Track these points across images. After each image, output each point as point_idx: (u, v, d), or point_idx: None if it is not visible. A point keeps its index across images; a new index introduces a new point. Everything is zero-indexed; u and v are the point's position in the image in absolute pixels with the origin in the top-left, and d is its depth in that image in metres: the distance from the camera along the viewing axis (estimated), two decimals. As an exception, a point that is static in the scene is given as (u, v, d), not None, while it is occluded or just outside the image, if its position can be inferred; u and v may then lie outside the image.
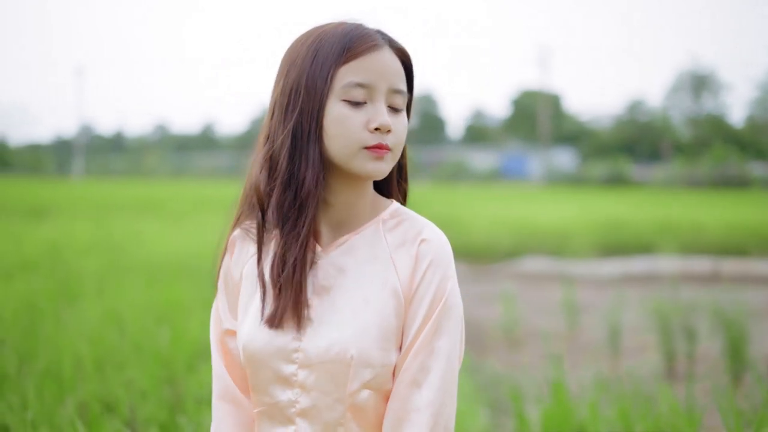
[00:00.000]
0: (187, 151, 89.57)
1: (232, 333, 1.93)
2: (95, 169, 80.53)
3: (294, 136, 1.76)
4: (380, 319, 1.77)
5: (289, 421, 1.81)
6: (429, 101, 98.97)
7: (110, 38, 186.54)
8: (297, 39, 1.83)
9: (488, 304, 10.62)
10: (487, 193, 41.45)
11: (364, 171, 1.77)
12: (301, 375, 1.78)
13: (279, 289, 1.79)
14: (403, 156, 1.93)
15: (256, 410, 1.86)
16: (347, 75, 1.74)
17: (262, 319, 1.81)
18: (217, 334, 1.94)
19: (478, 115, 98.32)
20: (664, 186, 50.14)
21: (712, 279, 13.32)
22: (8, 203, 22.77)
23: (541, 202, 30.67)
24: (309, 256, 1.80)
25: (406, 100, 1.82)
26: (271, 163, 1.79)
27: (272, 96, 1.82)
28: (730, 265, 14.45)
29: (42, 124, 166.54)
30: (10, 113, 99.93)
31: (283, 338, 1.79)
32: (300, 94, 1.75)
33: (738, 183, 48.47)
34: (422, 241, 1.82)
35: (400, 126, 1.80)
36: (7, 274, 8.36)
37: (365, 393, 1.77)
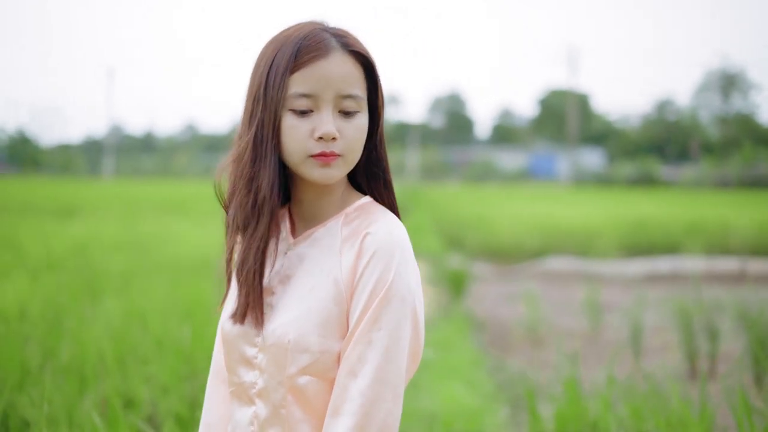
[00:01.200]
0: (216, 151, 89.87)
1: None
2: (126, 169, 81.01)
3: (255, 143, 1.82)
4: (320, 306, 1.82)
5: (251, 401, 1.88)
6: (457, 101, 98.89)
7: (140, 39, 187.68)
8: (267, 42, 1.87)
9: (512, 304, 10.63)
10: (515, 193, 41.36)
11: (312, 178, 1.82)
12: (260, 357, 1.85)
13: (241, 289, 1.88)
14: (380, 164, 1.94)
15: (229, 390, 1.95)
16: (293, 85, 1.78)
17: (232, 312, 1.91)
18: (221, 318, 2.01)
19: (506, 115, 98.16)
20: (693, 186, 49.87)
21: (739, 279, 13.27)
22: (39, 203, 22.97)
23: (569, 202, 30.56)
24: (269, 259, 1.90)
25: (361, 103, 1.81)
26: (235, 167, 1.86)
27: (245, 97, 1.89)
28: (757, 266, 14.38)
29: (73, 124, 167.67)
30: (41, 114, 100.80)
31: (249, 321, 1.88)
32: (259, 102, 1.81)
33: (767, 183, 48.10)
34: (366, 234, 1.82)
35: (352, 130, 1.80)
36: (35, 272, 8.45)
37: (305, 378, 1.81)
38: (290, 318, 1.83)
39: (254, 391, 1.87)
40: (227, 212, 1.92)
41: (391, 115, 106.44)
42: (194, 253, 11.02)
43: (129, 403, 4.60)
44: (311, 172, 1.81)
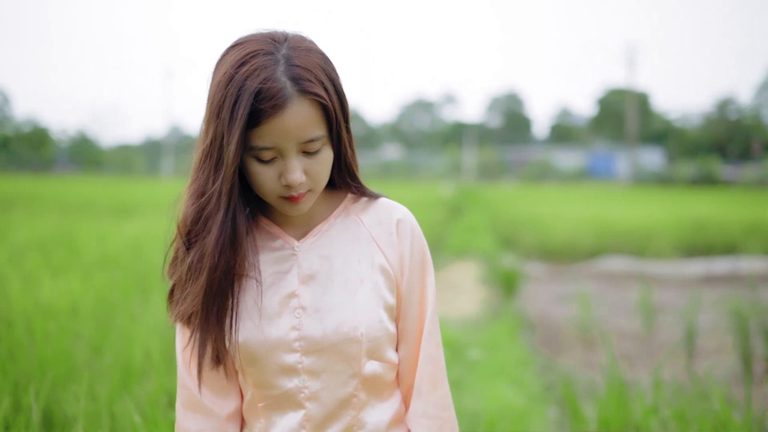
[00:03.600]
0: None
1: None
2: (184, 169, 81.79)
3: (207, 195, 1.82)
4: (376, 295, 1.91)
5: (299, 405, 1.90)
6: (515, 100, 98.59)
7: (197, 40, 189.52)
8: (221, 64, 1.83)
9: (565, 304, 10.54)
10: (572, 192, 41.10)
11: (284, 212, 1.88)
12: (307, 362, 1.87)
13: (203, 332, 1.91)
14: (351, 168, 1.97)
15: (259, 405, 1.94)
16: (253, 140, 1.77)
17: (257, 318, 1.90)
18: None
19: (564, 114, 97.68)
20: (755, 186, 49.11)
21: (799, 280, 13.02)
22: (98, 201, 23.29)
23: (627, 202, 30.29)
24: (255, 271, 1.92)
25: (323, 139, 1.82)
26: (187, 205, 1.88)
27: (202, 122, 1.86)
28: (818, 267, 14.12)
29: (132, 125, 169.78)
30: (102, 114, 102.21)
31: (279, 330, 1.88)
32: (223, 150, 1.78)
33: (832, 183, 47.25)
34: (398, 221, 1.96)
35: (317, 166, 1.83)
36: (88, 270, 8.55)
37: (373, 364, 1.91)
38: (353, 313, 1.88)
39: (303, 395, 1.89)
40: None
41: (448, 114, 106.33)
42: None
43: (174, 401, 4.63)
44: (282, 208, 1.86)
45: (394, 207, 1.99)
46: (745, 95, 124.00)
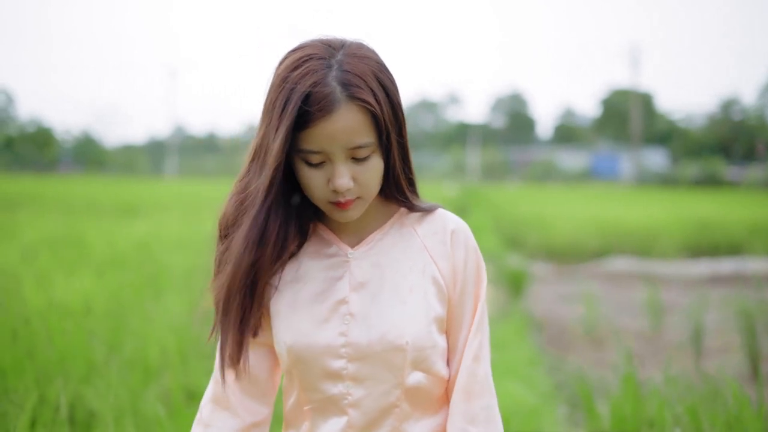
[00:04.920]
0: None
1: (259, 344, 2.00)
2: (188, 169, 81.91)
3: (248, 193, 1.86)
4: (426, 304, 1.89)
5: (342, 412, 1.90)
6: (518, 101, 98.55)
7: (198, 40, 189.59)
8: (278, 71, 1.85)
9: (571, 304, 10.58)
10: (576, 193, 41.11)
11: (333, 218, 1.90)
12: (352, 368, 1.87)
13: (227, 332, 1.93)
14: (406, 176, 1.95)
15: (305, 408, 1.94)
16: (302, 142, 1.79)
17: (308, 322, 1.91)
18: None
19: (568, 115, 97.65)
20: (759, 186, 49.09)
21: (804, 280, 13.05)
22: (104, 201, 23.35)
23: (631, 202, 30.30)
24: (311, 275, 1.94)
25: (372, 147, 1.82)
26: (231, 203, 1.90)
27: (258, 125, 1.88)
28: (823, 267, 14.15)
29: (135, 125, 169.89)
30: (105, 114, 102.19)
31: (327, 335, 1.88)
32: (269, 152, 1.81)
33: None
34: (453, 231, 1.95)
35: (366, 173, 1.83)
36: (99, 269, 8.61)
37: (418, 375, 1.88)
38: (400, 321, 1.87)
39: (346, 402, 1.89)
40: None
41: (451, 115, 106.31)
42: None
43: (191, 396, 4.69)
44: (332, 214, 1.87)
45: (449, 218, 1.97)
46: (749, 96, 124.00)
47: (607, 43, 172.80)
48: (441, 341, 1.92)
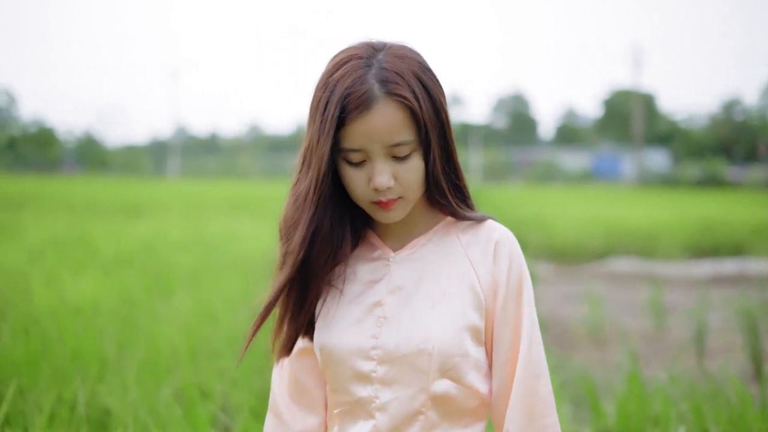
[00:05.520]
0: (279, 151, 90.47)
1: (304, 351, 2.02)
2: (190, 170, 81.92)
3: (301, 195, 1.87)
4: (459, 311, 1.87)
5: (369, 415, 1.89)
6: (520, 101, 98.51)
7: (202, 40, 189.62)
8: (322, 73, 1.87)
9: (575, 304, 10.63)
10: (579, 193, 41.09)
11: (376, 219, 1.90)
12: (380, 371, 1.86)
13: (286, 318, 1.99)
14: (449, 179, 1.93)
15: (335, 411, 1.95)
16: (342, 141, 1.80)
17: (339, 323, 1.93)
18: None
19: (569, 115, 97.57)
20: (761, 187, 49.06)
21: (806, 281, 13.07)
22: (107, 202, 23.41)
23: (633, 203, 30.30)
24: (354, 276, 1.97)
25: (411, 145, 1.81)
26: (288, 208, 1.93)
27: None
28: (825, 267, 14.17)
29: (137, 125, 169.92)
30: (106, 115, 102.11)
31: (359, 337, 1.88)
32: (314, 152, 1.83)
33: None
34: (497, 242, 1.91)
35: (406, 172, 1.82)
36: (106, 268, 8.67)
37: (446, 383, 1.86)
38: (428, 326, 1.85)
39: (374, 405, 1.88)
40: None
41: (454, 115, 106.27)
42: (260, 252, 11.18)
43: (202, 396, 4.74)
44: (375, 214, 1.88)
45: (495, 228, 1.94)
46: (751, 96, 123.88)
47: (608, 43, 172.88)
48: (474, 352, 1.89)
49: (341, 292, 1.94)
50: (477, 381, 1.89)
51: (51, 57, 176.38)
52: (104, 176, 67.09)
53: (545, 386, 1.90)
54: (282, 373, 2.06)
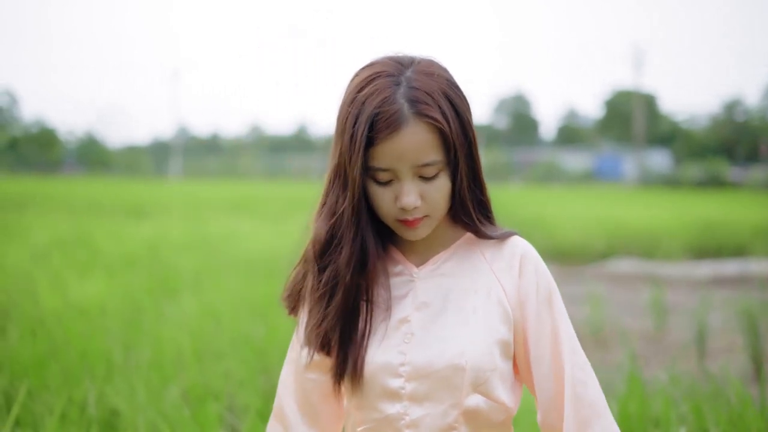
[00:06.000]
0: (281, 152, 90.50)
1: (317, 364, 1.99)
2: (191, 170, 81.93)
3: (336, 221, 1.85)
4: (488, 326, 1.87)
5: None
6: (522, 102, 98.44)
7: (202, 40, 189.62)
8: (349, 87, 1.85)
9: (576, 304, 10.65)
10: (580, 194, 41.08)
11: (402, 236, 1.89)
12: (410, 387, 1.85)
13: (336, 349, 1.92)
14: (474, 197, 1.93)
15: (359, 429, 1.94)
16: (371, 160, 1.79)
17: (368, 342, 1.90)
18: (300, 365, 1.99)
19: (571, 116, 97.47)
20: (762, 187, 49.05)
21: (807, 282, 13.08)
22: (109, 203, 23.44)
23: (634, 203, 30.31)
24: (381, 294, 1.93)
25: (439, 165, 1.80)
26: (318, 227, 1.90)
27: (332, 144, 1.88)
28: (826, 268, 14.18)
29: (138, 126, 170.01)
30: (107, 115, 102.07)
31: (387, 353, 1.87)
32: (346, 171, 1.81)
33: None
34: (522, 256, 1.92)
35: (434, 192, 1.82)
36: (110, 270, 8.72)
37: (477, 398, 1.85)
38: (460, 341, 1.85)
39: (403, 422, 1.86)
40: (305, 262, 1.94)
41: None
42: (262, 252, 11.22)
43: (208, 396, 4.78)
44: (400, 232, 1.87)
45: (517, 243, 1.95)
46: (752, 97, 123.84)
47: (610, 44, 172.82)
48: (503, 365, 1.89)
49: (366, 307, 1.90)
50: (504, 395, 1.89)
51: (52, 57, 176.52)
52: (106, 177, 67.14)
53: (594, 391, 1.90)
54: (288, 381, 2.03)
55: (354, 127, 1.77)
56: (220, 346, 5.53)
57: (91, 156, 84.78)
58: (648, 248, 16.86)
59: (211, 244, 12.45)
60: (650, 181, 58.97)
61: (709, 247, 17.18)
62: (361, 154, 1.76)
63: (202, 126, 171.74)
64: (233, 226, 16.22)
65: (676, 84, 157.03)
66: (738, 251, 16.65)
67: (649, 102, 76.99)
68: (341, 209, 1.83)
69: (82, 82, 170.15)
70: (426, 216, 1.84)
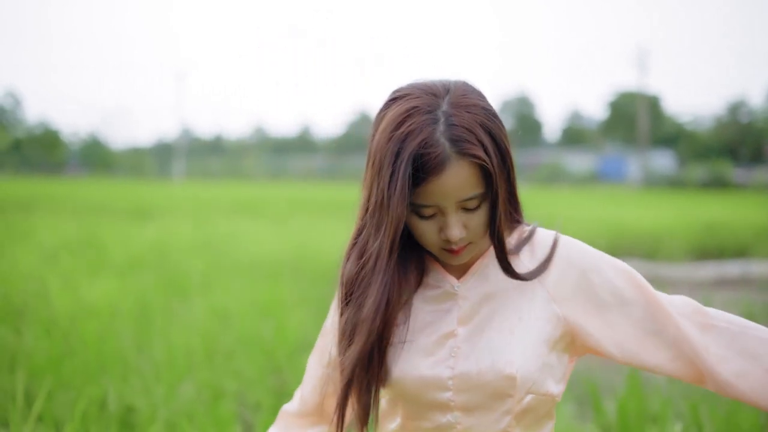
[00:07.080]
0: (284, 153, 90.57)
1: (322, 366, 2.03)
2: (195, 172, 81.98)
3: (371, 256, 1.83)
4: (535, 329, 1.87)
5: None
6: (525, 103, 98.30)
7: (204, 41, 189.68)
8: (382, 121, 1.83)
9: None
10: (584, 195, 41.09)
11: (446, 261, 1.89)
12: (459, 399, 1.86)
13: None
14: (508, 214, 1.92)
15: None
16: (414, 197, 1.77)
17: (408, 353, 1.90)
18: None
19: (575, 117, 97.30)
20: (766, 189, 49.04)
21: (809, 283, 13.14)
22: (113, 204, 23.52)
23: (638, 204, 30.33)
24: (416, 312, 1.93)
25: (481, 196, 1.80)
26: (352, 258, 1.89)
27: (364, 179, 1.87)
28: (828, 270, 14.23)
29: (142, 127, 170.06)
30: (111, 116, 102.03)
31: (434, 369, 1.87)
32: (385, 211, 1.78)
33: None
34: (552, 245, 1.95)
35: (475, 220, 1.82)
36: (119, 271, 8.81)
37: (528, 398, 1.86)
38: (510, 350, 1.84)
39: (456, 430, 1.87)
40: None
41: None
42: (268, 254, 11.30)
43: (220, 394, 4.89)
44: (444, 258, 1.87)
45: (545, 236, 1.98)
46: (756, 98, 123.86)
47: (614, 45, 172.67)
48: (548, 359, 1.88)
49: (408, 322, 1.91)
50: (553, 386, 1.89)
51: (55, 59, 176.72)
52: (109, 178, 67.26)
53: (703, 311, 2.00)
54: (311, 368, 2.09)
55: (394, 167, 1.75)
56: (230, 346, 5.64)
57: (95, 157, 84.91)
58: (650, 249, 16.88)
59: (217, 246, 12.53)
60: (654, 183, 58.96)
61: (712, 249, 17.19)
62: (405, 196, 1.75)
63: (205, 127, 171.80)
64: (238, 227, 16.30)
65: (680, 85, 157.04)
66: (740, 252, 16.68)
67: (653, 103, 76.95)
68: (371, 250, 1.83)
69: (86, 83, 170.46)
70: (469, 243, 1.85)
